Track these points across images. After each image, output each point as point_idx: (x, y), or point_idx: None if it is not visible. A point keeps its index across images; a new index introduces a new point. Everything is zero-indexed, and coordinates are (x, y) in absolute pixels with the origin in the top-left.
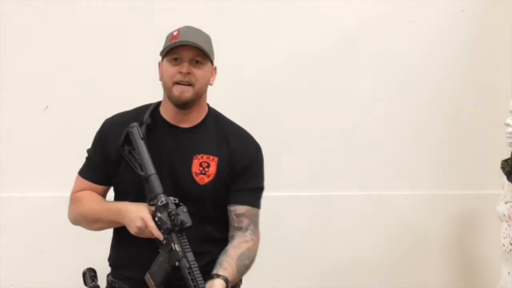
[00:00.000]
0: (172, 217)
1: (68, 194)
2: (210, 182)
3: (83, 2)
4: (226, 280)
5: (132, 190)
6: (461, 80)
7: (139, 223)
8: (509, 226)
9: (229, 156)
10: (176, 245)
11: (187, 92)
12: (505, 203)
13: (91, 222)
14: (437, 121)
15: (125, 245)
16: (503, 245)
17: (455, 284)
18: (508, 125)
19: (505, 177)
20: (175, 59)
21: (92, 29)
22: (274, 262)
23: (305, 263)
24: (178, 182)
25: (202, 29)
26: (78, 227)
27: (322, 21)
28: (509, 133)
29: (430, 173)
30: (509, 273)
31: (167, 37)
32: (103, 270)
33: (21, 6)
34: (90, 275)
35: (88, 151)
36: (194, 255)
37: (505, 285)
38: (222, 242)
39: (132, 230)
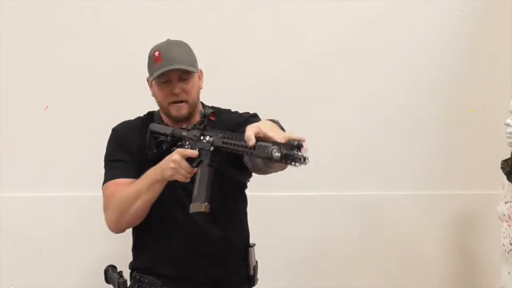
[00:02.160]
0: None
1: (68, 194)
2: None
3: (83, 2)
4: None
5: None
6: (461, 80)
7: (172, 164)
8: (509, 226)
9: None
10: (204, 140)
11: (183, 109)
12: (505, 203)
13: (133, 201)
14: (437, 121)
15: (154, 245)
16: (503, 245)
17: (455, 284)
18: (508, 125)
19: (505, 177)
20: (165, 82)
21: (93, 29)
22: (274, 262)
23: (305, 263)
24: None
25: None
26: (77, 228)
27: (322, 21)
28: (509, 133)
29: (430, 173)
30: (509, 273)
31: (149, 58)
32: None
33: (21, 6)
34: (114, 272)
35: (107, 158)
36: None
37: (505, 285)
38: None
39: (169, 172)
